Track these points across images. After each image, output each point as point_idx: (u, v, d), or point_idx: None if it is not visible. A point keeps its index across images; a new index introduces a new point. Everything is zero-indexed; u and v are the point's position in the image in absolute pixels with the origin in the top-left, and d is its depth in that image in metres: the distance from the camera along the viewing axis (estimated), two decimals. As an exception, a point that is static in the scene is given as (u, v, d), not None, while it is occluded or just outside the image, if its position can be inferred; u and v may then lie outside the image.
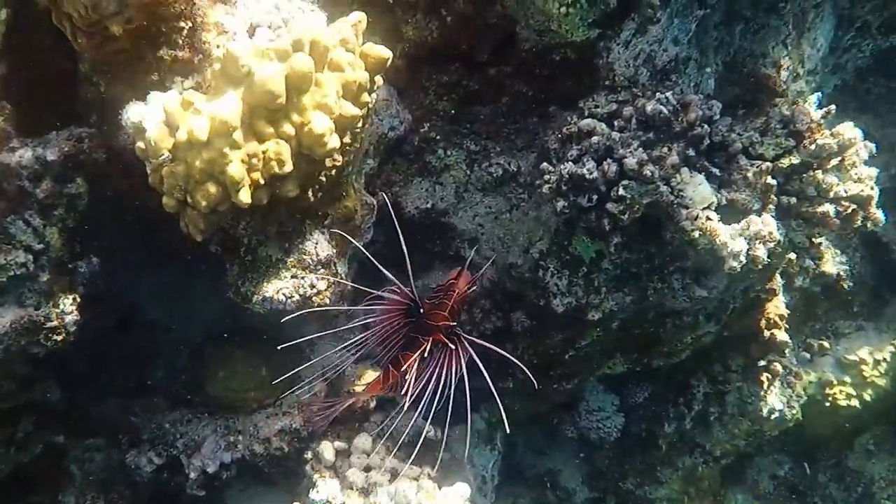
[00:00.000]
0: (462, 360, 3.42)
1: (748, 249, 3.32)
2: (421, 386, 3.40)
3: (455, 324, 3.54)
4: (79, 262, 3.28)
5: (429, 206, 3.95)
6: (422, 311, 3.55)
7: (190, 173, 2.66)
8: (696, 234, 3.32)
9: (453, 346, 3.44)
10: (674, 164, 3.31)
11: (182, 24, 2.91)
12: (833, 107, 3.59)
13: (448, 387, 3.35)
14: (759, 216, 3.44)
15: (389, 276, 3.50)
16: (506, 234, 3.97)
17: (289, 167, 2.73)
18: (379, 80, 3.06)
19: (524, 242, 3.91)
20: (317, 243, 3.30)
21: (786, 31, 3.92)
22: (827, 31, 4.21)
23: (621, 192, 3.34)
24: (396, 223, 3.32)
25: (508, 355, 3.39)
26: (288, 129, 2.71)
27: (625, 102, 3.55)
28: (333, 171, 3.00)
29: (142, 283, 3.79)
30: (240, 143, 2.64)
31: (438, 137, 3.94)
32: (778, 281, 4.31)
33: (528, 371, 3.40)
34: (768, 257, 3.37)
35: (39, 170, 3.03)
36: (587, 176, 3.36)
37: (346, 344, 3.69)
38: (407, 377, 3.37)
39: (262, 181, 2.71)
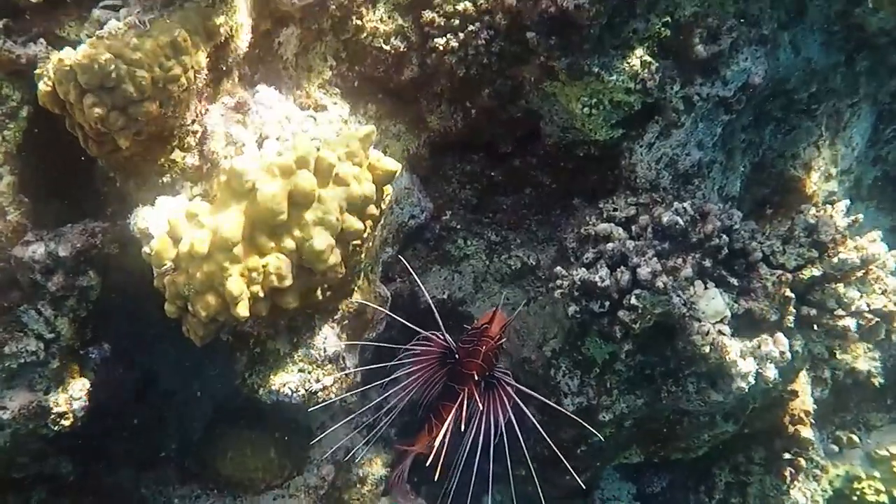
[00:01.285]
0: (500, 413, 3.50)
1: (758, 369, 3.27)
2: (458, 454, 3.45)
3: (489, 373, 3.57)
4: (90, 348, 3.33)
5: (444, 296, 3.96)
6: (457, 356, 3.57)
7: (190, 284, 2.69)
8: (707, 349, 3.30)
9: (482, 407, 3.48)
10: (687, 276, 3.30)
11: (196, 127, 2.96)
12: (860, 215, 3.55)
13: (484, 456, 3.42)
14: (776, 330, 3.41)
15: (417, 328, 3.58)
16: (522, 327, 3.96)
17: (289, 281, 2.75)
18: (388, 188, 3.08)
19: (539, 338, 3.90)
20: (325, 338, 3.33)
21: (818, 133, 3.89)
22: (864, 129, 4.14)
23: (633, 301, 3.32)
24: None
25: (550, 402, 3.54)
26: (289, 243, 2.73)
27: (645, 206, 3.54)
28: (339, 277, 3.01)
29: (158, 354, 3.82)
30: (240, 258, 2.67)
31: (459, 227, 3.98)
32: (803, 379, 4.24)
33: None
34: (779, 376, 3.32)
35: (51, 264, 3.07)
36: (599, 283, 3.35)
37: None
38: (439, 439, 3.36)
39: (261, 294, 2.73)
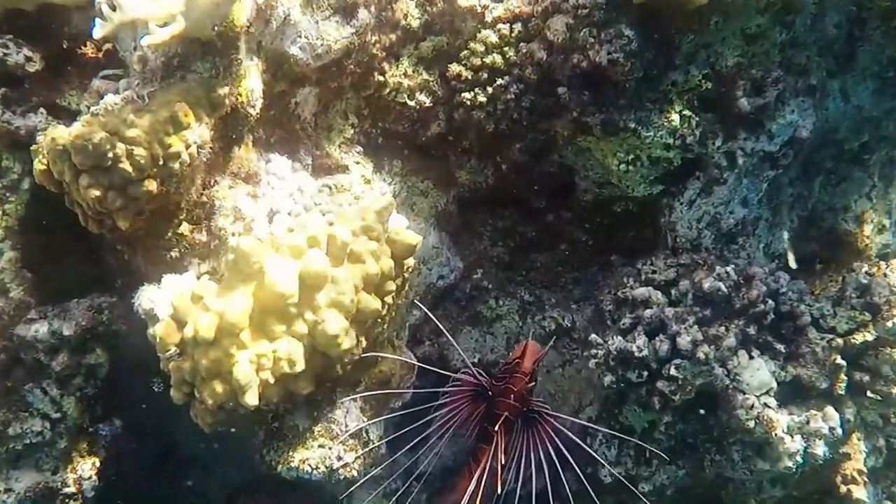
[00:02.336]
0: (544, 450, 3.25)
1: (806, 447, 3.08)
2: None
3: (526, 410, 3.31)
4: (100, 426, 3.21)
5: (476, 359, 3.76)
6: (490, 393, 3.32)
7: (196, 370, 2.55)
8: (752, 423, 3.12)
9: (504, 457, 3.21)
10: (730, 346, 3.12)
11: (205, 199, 2.82)
12: (918, 274, 3.35)
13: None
14: (826, 398, 3.26)
15: (448, 373, 3.40)
16: (557, 391, 3.77)
17: (300, 367, 2.59)
18: (409, 261, 2.92)
19: (574, 403, 3.71)
20: (347, 412, 3.16)
21: (870, 183, 3.69)
22: (921, 175, 3.92)
23: (673, 371, 3.15)
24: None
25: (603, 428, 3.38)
26: (301, 327, 2.58)
27: (686, 267, 3.36)
28: (355, 359, 2.84)
29: (178, 421, 3.67)
30: (247, 344, 2.52)
31: (491, 286, 3.81)
32: (856, 437, 4.01)
33: None
34: (828, 452, 3.13)
35: (56, 343, 2.97)
36: (636, 353, 3.17)
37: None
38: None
39: (271, 380, 2.57)
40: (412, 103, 3.42)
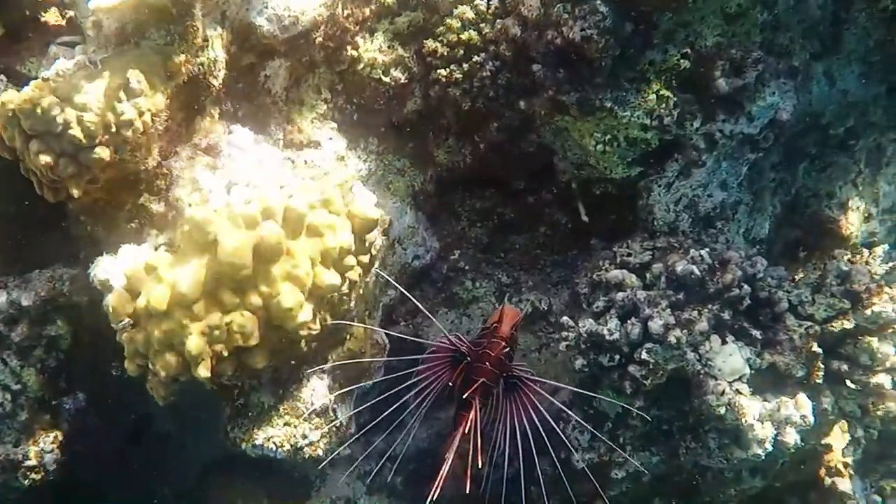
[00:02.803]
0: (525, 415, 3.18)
1: (776, 435, 3.03)
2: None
3: (505, 375, 3.22)
4: (63, 399, 3.18)
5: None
6: (469, 359, 3.21)
7: (149, 342, 2.52)
8: (723, 410, 3.06)
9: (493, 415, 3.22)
10: (703, 330, 3.05)
11: (164, 170, 2.79)
12: (901, 260, 3.30)
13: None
14: (803, 386, 3.19)
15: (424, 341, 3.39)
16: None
17: (254, 340, 2.56)
18: (372, 236, 2.88)
19: (549, 388, 3.64)
20: (313, 390, 3.12)
21: (856, 170, 3.64)
22: (910, 165, 3.85)
23: (644, 355, 3.08)
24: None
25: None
26: (255, 300, 2.55)
27: (662, 250, 3.30)
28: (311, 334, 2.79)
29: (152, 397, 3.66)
30: (200, 315, 2.49)
31: (468, 267, 3.77)
32: (839, 430, 3.95)
33: None
34: (800, 441, 3.09)
35: (14, 314, 2.96)
36: (607, 336, 3.11)
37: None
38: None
39: (225, 353, 2.54)
40: (387, 80, 3.38)
